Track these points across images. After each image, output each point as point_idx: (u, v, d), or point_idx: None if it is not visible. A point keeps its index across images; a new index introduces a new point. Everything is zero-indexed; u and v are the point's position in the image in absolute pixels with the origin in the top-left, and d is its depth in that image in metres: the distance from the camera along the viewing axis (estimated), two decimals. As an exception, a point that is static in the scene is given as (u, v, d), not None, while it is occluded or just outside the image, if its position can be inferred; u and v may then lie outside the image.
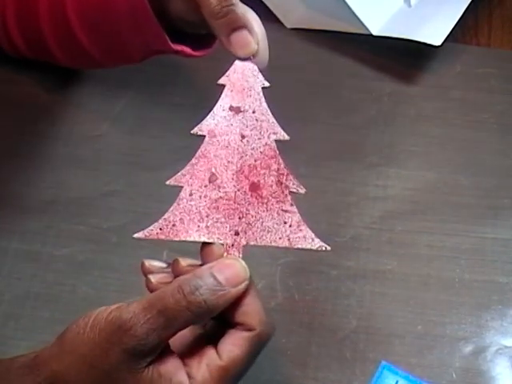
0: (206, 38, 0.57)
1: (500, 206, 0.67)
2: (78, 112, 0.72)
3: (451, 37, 0.72)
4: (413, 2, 0.78)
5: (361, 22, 0.74)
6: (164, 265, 0.47)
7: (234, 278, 0.43)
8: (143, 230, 0.45)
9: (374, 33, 0.74)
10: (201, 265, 0.45)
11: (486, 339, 0.60)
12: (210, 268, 0.43)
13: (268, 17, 0.78)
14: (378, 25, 0.75)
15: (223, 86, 0.46)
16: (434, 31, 0.73)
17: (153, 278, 0.46)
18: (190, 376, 0.42)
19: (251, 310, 0.44)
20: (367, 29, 0.74)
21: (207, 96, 0.75)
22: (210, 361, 0.43)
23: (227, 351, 0.43)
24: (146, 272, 0.47)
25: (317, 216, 0.65)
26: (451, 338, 0.59)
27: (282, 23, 0.79)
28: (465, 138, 0.71)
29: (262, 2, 0.79)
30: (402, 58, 0.76)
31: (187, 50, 0.57)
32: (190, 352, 0.44)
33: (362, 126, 0.72)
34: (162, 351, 0.42)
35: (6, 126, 0.70)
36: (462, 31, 0.78)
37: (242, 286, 0.43)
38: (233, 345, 0.43)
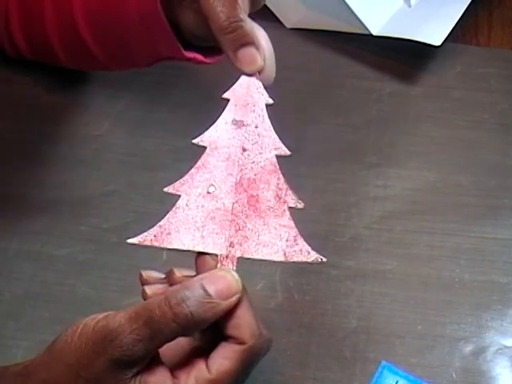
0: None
1: (500, 205, 0.67)
2: (78, 112, 0.72)
3: (451, 37, 0.72)
4: (413, 2, 0.78)
5: (361, 22, 0.74)
6: (162, 276, 0.47)
7: (225, 290, 0.42)
8: (137, 235, 0.45)
9: (374, 33, 0.74)
10: (195, 275, 0.45)
11: (486, 339, 0.60)
12: (200, 279, 0.42)
13: (268, 17, 0.78)
14: (378, 25, 0.75)
15: (227, 100, 0.46)
16: (434, 31, 0.73)
17: (148, 290, 0.46)
18: None
19: (243, 323, 0.43)
20: (367, 29, 0.74)
21: (207, 97, 0.75)
22: (198, 373, 0.42)
23: (217, 364, 0.42)
24: (143, 283, 0.47)
25: (317, 216, 0.65)
26: (451, 338, 0.59)
27: (282, 23, 0.79)
28: (465, 137, 0.71)
29: (262, 2, 0.79)
30: (402, 58, 0.76)
31: (199, 57, 0.57)
32: (180, 364, 0.43)
33: (361, 126, 0.72)
34: (150, 361, 0.42)
35: (6, 126, 0.70)
36: (462, 31, 0.78)
37: (233, 299, 0.42)
38: (223, 358, 0.42)
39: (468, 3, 0.75)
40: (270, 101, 0.47)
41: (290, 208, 0.45)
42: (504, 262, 0.63)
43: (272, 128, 0.46)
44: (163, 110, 0.72)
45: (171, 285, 0.46)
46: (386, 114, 0.73)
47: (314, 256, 0.45)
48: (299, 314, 0.60)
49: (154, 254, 0.61)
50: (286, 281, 0.62)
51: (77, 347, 0.41)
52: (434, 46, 0.71)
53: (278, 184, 0.45)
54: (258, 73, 0.47)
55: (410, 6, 0.78)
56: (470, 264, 0.63)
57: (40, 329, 0.59)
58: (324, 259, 0.45)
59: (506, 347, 0.59)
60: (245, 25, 0.46)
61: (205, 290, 0.41)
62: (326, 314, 0.61)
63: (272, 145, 0.46)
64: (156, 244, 0.45)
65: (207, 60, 0.58)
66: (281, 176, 0.46)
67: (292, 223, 0.45)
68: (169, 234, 0.45)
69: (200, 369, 0.42)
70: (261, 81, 0.47)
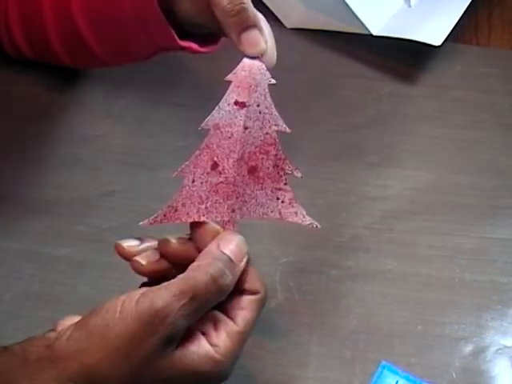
0: (212, 35, 0.57)
1: (500, 205, 0.67)
2: (78, 112, 0.72)
3: (451, 37, 0.72)
4: (413, 2, 0.78)
5: (361, 22, 0.74)
6: (137, 242, 0.48)
7: (238, 252, 0.45)
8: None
9: (374, 33, 0.74)
10: (189, 239, 0.47)
11: (486, 339, 0.59)
12: (218, 247, 0.45)
13: (268, 17, 0.77)
14: (378, 25, 0.75)
15: (230, 82, 0.47)
16: (434, 31, 0.73)
17: (142, 260, 0.47)
18: (212, 344, 0.44)
19: (253, 276, 0.46)
20: (367, 29, 0.74)
21: (207, 96, 0.74)
22: (227, 327, 0.44)
23: (240, 315, 0.45)
24: (128, 255, 0.48)
25: (317, 216, 0.65)
26: (451, 338, 0.59)
27: (282, 23, 0.79)
28: (465, 138, 0.71)
29: (262, 2, 0.79)
30: (402, 57, 0.76)
31: (194, 46, 0.58)
32: (200, 322, 0.45)
33: (362, 126, 0.72)
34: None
35: (6, 126, 0.70)
36: (462, 31, 0.78)
37: (245, 259, 0.45)
38: (245, 309, 0.45)
39: (468, 3, 0.75)
40: (273, 81, 0.47)
41: (286, 174, 0.47)
42: (504, 262, 0.63)
43: (273, 106, 0.47)
44: (163, 109, 0.72)
45: (167, 253, 0.47)
46: (386, 114, 0.73)
47: (309, 220, 0.48)
48: (299, 314, 0.60)
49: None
50: (286, 281, 0.62)
51: (122, 329, 0.41)
52: (434, 46, 0.71)
53: (276, 155, 0.47)
54: (260, 55, 0.47)
55: (410, 6, 0.78)
56: (470, 264, 0.63)
57: (40, 329, 0.59)
58: (319, 226, 0.48)
59: (506, 347, 0.59)
60: (248, 7, 0.47)
61: (228, 257, 0.44)
62: (326, 314, 0.60)
63: (273, 121, 0.47)
64: (166, 222, 0.46)
65: (202, 49, 0.58)
66: (279, 147, 0.47)
67: (288, 187, 0.47)
68: (176, 210, 0.46)
69: (226, 322, 0.45)
70: (263, 63, 0.47)
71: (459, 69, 0.76)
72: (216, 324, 0.45)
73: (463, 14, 0.74)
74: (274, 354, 0.58)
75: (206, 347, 0.43)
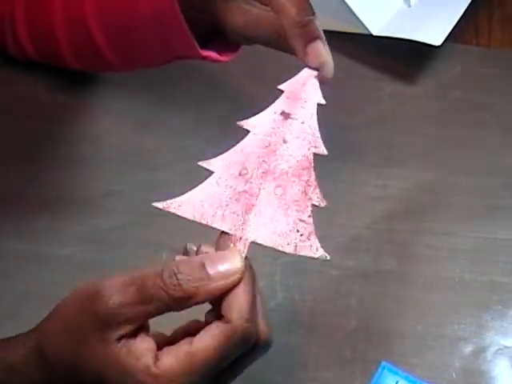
0: (231, 42, 0.57)
1: (500, 205, 0.67)
2: (78, 112, 0.72)
3: (451, 37, 0.72)
4: (413, 2, 0.78)
5: (361, 22, 0.74)
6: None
7: (223, 271, 0.42)
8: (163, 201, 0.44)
9: (374, 33, 0.74)
10: None
11: (486, 339, 0.60)
12: (202, 257, 0.42)
13: (268, 17, 0.78)
14: (378, 25, 0.75)
15: (282, 91, 0.47)
16: (434, 31, 0.73)
17: (177, 259, 0.46)
18: (156, 356, 0.41)
19: (235, 304, 0.42)
20: (367, 29, 0.74)
21: (208, 97, 0.75)
22: (180, 345, 0.42)
23: (200, 339, 0.42)
24: (183, 254, 0.48)
25: (317, 216, 0.65)
26: (451, 338, 0.59)
27: (282, 23, 0.79)
28: (465, 137, 0.71)
29: (262, 2, 0.79)
30: (402, 58, 0.76)
31: (214, 55, 0.57)
32: (171, 339, 0.43)
33: (362, 126, 0.72)
34: (138, 330, 0.42)
35: (6, 126, 0.70)
36: (461, 31, 0.78)
37: (231, 280, 0.42)
38: (206, 334, 0.42)
39: (468, 3, 0.75)
40: (323, 101, 0.47)
41: (313, 205, 0.45)
42: (504, 262, 0.63)
43: (317, 128, 0.46)
44: (164, 110, 0.72)
45: None
46: (386, 114, 0.73)
47: (320, 253, 0.45)
48: (299, 314, 0.60)
49: (154, 253, 0.61)
50: (286, 281, 0.62)
51: (69, 304, 0.43)
52: (434, 46, 0.71)
53: (308, 180, 0.46)
54: (321, 67, 0.48)
55: (409, 6, 0.78)
56: (469, 264, 0.63)
57: (40, 329, 0.59)
58: (328, 257, 0.45)
59: (506, 347, 0.59)
60: (314, 19, 0.48)
61: (202, 267, 0.41)
62: (326, 314, 0.61)
63: (313, 143, 0.46)
64: (178, 213, 0.44)
65: (222, 58, 0.58)
66: (313, 173, 0.46)
67: (311, 220, 0.45)
68: (193, 206, 0.45)
69: (183, 342, 0.42)
70: (323, 75, 0.48)
71: (459, 69, 0.76)
72: (175, 340, 0.42)
73: (463, 14, 0.74)
74: (273, 353, 0.57)
75: (147, 355, 0.41)
